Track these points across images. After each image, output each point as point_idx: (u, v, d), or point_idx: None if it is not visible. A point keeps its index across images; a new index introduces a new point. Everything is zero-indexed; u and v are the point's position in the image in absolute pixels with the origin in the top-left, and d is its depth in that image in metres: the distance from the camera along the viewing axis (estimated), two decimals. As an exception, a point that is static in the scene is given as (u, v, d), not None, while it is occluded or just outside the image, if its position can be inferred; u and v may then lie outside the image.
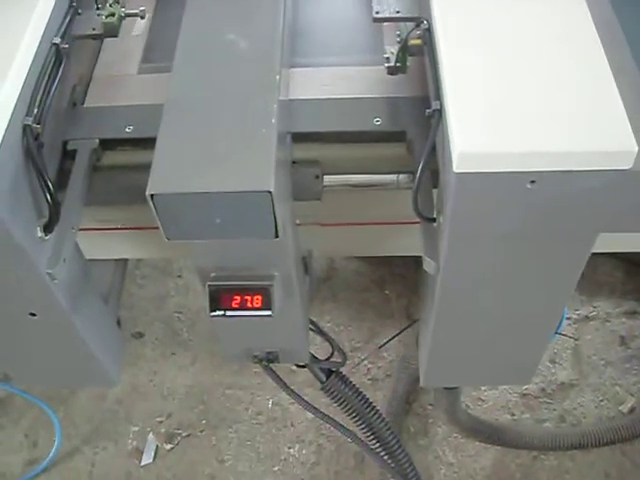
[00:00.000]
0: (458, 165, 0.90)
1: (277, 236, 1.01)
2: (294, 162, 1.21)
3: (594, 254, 1.10)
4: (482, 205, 0.97)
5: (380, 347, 2.59)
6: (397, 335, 2.34)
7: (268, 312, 1.16)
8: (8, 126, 0.99)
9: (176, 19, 1.34)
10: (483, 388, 2.76)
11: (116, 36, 1.26)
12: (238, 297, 1.15)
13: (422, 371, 1.48)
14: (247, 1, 1.21)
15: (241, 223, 1.00)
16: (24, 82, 1.05)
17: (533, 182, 0.93)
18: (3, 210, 0.97)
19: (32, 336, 1.30)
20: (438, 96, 1.03)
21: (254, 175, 0.95)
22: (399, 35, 1.21)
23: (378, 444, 1.78)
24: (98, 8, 1.30)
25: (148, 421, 2.80)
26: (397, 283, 3.03)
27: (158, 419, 2.80)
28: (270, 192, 0.93)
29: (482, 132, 0.92)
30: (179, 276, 3.18)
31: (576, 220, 1.01)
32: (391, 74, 1.25)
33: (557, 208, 0.98)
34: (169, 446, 2.74)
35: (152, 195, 0.95)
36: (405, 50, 1.21)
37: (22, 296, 1.18)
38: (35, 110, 1.06)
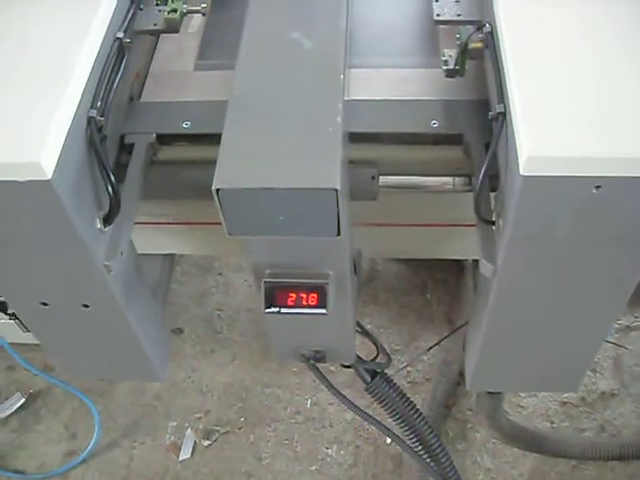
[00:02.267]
0: (525, 168, 0.90)
1: (339, 234, 1.01)
2: (351, 162, 1.20)
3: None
4: (545, 209, 0.97)
5: (428, 350, 2.58)
6: (442, 340, 2.33)
7: (323, 310, 1.16)
8: (74, 118, 1.00)
9: (231, 17, 1.36)
10: (523, 395, 2.74)
11: (177, 32, 1.27)
12: (294, 295, 1.15)
13: (469, 375, 1.47)
14: (310, 0, 1.21)
15: (304, 220, 1.01)
16: (89, 75, 1.06)
17: (598, 187, 0.92)
18: (67, 201, 0.98)
19: (83, 327, 1.31)
20: (502, 99, 1.02)
21: (320, 172, 0.96)
22: (458, 38, 1.21)
23: (420, 446, 1.77)
24: (158, 4, 1.30)
25: (186, 417, 2.82)
26: (438, 288, 3.02)
27: (196, 415, 2.82)
28: (336, 190, 0.94)
29: (549, 135, 0.92)
30: (220, 274, 3.20)
31: (638, 227, 1.00)
32: (449, 77, 1.25)
33: (620, 214, 0.97)
34: (207, 442, 2.75)
35: (218, 190, 0.96)
36: (465, 53, 1.20)
37: (77, 287, 1.20)
38: (99, 103, 1.07)
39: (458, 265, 2.83)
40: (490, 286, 1.16)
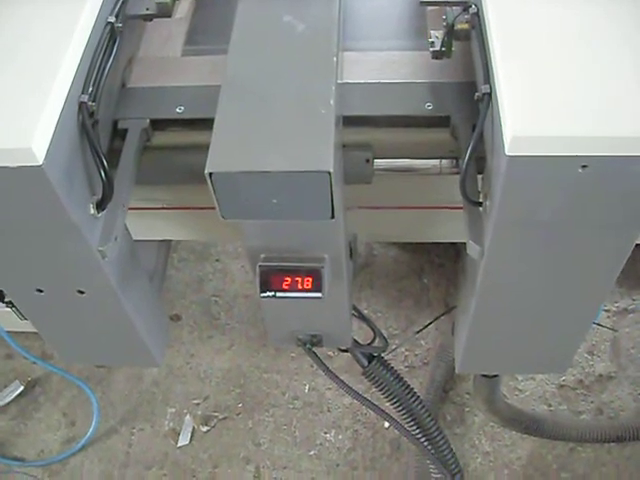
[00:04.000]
0: (510, 148, 0.90)
1: (333, 217, 1.01)
2: (345, 145, 1.20)
3: (635, 245, 1.09)
4: (531, 189, 0.97)
5: (417, 333, 2.59)
6: (434, 321, 2.33)
7: (318, 294, 1.16)
8: (65, 103, 1.00)
9: (218, 3, 1.35)
10: (520, 378, 2.75)
11: (169, 16, 1.27)
12: (289, 278, 1.15)
13: (458, 358, 1.48)
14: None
15: (298, 203, 1.00)
16: (80, 60, 1.05)
17: (584, 167, 0.92)
18: (59, 187, 0.98)
19: (79, 314, 1.31)
20: (487, 80, 1.02)
21: (314, 155, 0.95)
22: (445, 19, 1.20)
23: (417, 429, 1.78)
24: (151, -12, 1.30)
25: (185, 403, 2.83)
26: (435, 272, 3.03)
27: (195, 401, 2.83)
28: (329, 172, 0.94)
29: (534, 115, 0.92)
30: (217, 260, 3.20)
31: (624, 207, 1.00)
32: (436, 58, 1.25)
33: (606, 194, 0.97)
34: (205, 428, 2.76)
35: (211, 174, 0.95)
36: (451, 34, 1.20)
37: (72, 273, 1.20)
38: (90, 88, 1.06)
39: (455, 249, 2.83)
40: (477, 268, 1.16)
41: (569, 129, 0.90)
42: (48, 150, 0.94)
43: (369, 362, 1.63)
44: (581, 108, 0.92)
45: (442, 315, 2.38)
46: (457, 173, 1.22)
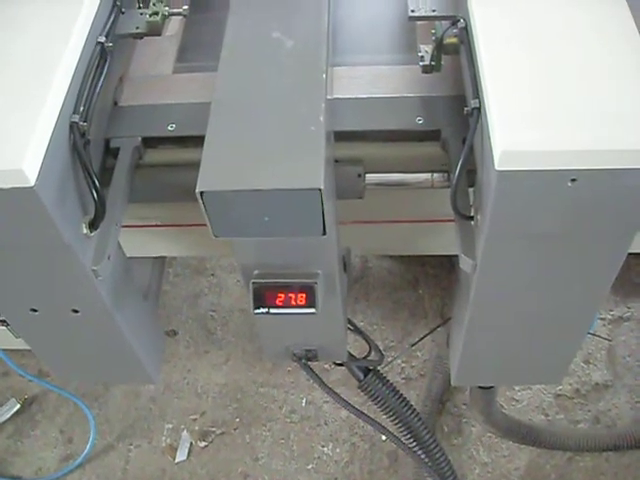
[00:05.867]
0: (500, 163, 0.90)
1: (325, 234, 1.01)
2: (336, 161, 1.20)
3: (628, 254, 1.09)
4: (522, 203, 0.97)
5: (413, 345, 2.59)
6: (429, 334, 2.33)
7: (312, 310, 1.16)
8: (56, 123, 1.00)
9: (209, 20, 1.35)
10: (517, 388, 2.75)
11: (159, 35, 1.27)
12: (282, 295, 1.15)
13: (453, 370, 1.48)
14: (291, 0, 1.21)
15: (289, 221, 1.00)
16: (71, 80, 1.06)
17: (574, 180, 0.92)
18: (51, 207, 0.97)
19: (74, 333, 1.31)
20: (477, 94, 1.03)
21: (304, 173, 0.95)
22: (434, 34, 1.21)
23: (414, 442, 1.77)
24: (140, 7, 1.31)
25: (182, 419, 2.82)
26: (431, 283, 3.03)
27: (192, 417, 2.82)
28: (320, 190, 0.94)
29: (524, 130, 0.92)
30: (212, 275, 3.20)
31: (615, 218, 1.00)
32: (425, 73, 1.25)
33: (597, 206, 0.97)
34: (203, 444, 2.75)
35: (202, 192, 0.95)
36: (440, 49, 1.21)
37: (66, 293, 1.19)
38: (81, 108, 1.06)
39: (450, 260, 2.82)
40: (470, 281, 1.16)
41: (558, 143, 0.90)
42: (40, 171, 0.94)
43: (365, 375, 1.63)
44: (569, 122, 0.92)
45: (438, 327, 2.37)
46: (449, 187, 1.22)
